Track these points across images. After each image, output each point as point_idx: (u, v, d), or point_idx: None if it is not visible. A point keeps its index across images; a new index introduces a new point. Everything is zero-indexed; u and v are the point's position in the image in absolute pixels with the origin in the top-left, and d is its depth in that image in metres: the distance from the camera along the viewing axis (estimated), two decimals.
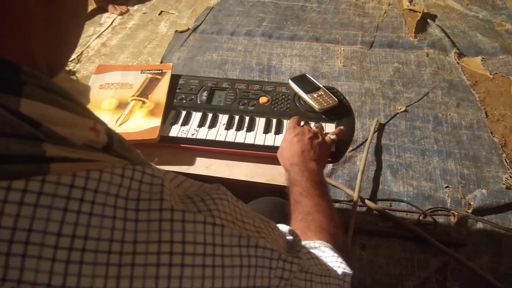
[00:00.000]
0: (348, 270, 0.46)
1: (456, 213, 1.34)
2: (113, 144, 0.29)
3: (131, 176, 0.25)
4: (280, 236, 0.34)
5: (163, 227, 0.24)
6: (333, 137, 0.78)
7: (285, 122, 0.87)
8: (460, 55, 2.13)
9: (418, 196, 1.43)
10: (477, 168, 1.52)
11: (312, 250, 0.43)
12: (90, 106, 0.88)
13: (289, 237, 0.36)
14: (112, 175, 0.24)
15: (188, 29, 2.38)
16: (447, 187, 1.45)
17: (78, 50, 2.22)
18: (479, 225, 1.33)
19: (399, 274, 1.21)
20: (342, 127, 0.81)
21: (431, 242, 1.24)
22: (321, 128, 0.81)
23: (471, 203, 1.38)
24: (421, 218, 1.34)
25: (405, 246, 1.27)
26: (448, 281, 1.18)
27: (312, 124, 0.85)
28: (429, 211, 1.37)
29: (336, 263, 0.46)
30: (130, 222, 0.23)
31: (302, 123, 0.84)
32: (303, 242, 0.39)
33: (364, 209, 1.39)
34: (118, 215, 0.23)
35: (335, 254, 0.48)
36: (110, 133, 0.30)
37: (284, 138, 0.77)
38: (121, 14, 2.56)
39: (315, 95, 0.89)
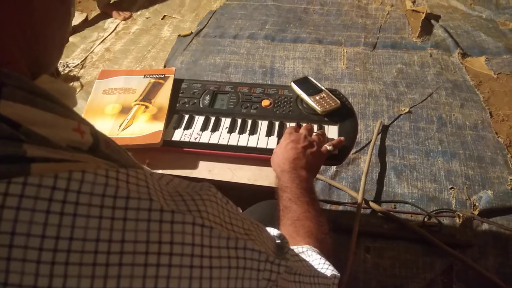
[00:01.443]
0: (336, 272, 0.46)
1: (461, 215, 1.33)
2: (99, 145, 0.29)
3: (116, 177, 0.25)
4: (268, 238, 0.34)
5: (152, 227, 0.24)
6: (329, 147, 0.77)
7: (288, 125, 0.87)
8: (464, 55, 2.12)
9: (422, 198, 1.42)
10: (482, 169, 1.51)
11: (299, 254, 0.43)
12: (94, 111, 0.89)
13: (278, 241, 0.36)
14: (96, 176, 0.24)
15: (191, 33, 2.39)
16: (452, 188, 1.45)
17: (82, 56, 2.24)
18: (485, 226, 1.32)
19: (404, 276, 1.20)
20: (342, 138, 0.81)
21: (436, 243, 1.23)
22: (323, 135, 0.81)
23: (477, 204, 1.37)
24: (426, 219, 1.33)
25: (410, 248, 1.27)
26: (454, 283, 1.17)
27: (315, 128, 0.85)
28: (434, 212, 1.36)
29: (324, 265, 0.46)
30: (118, 221, 0.23)
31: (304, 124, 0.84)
32: (291, 247, 0.39)
33: (368, 211, 1.39)
34: (105, 215, 0.23)
35: (322, 258, 0.48)
36: (96, 134, 0.30)
37: (279, 144, 0.77)
38: (125, 19, 2.58)
39: (317, 98, 0.89)
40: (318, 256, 0.48)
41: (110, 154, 0.30)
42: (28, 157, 0.23)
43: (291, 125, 0.82)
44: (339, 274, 0.46)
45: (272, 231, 0.38)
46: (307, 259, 0.45)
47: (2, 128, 0.23)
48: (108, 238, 0.23)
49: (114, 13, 2.59)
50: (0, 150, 0.22)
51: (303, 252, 0.49)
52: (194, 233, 0.26)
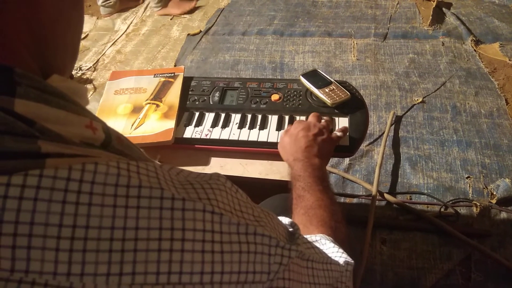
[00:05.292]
0: (349, 259, 0.46)
1: (479, 204, 1.31)
2: (111, 141, 0.30)
3: (127, 168, 0.25)
4: (279, 225, 0.34)
5: (164, 215, 0.25)
6: (339, 134, 0.78)
7: (298, 118, 0.87)
8: (477, 42, 2.08)
9: (438, 188, 1.40)
10: (498, 157, 1.48)
11: (313, 243, 0.43)
12: (106, 112, 0.90)
13: (290, 229, 0.37)
14: (108, 167, 0.25)
15: (200, 31, 2.40)
16: (468, 177, 1.42)
17: (93, 58, 2.27)
18: (503, 215, 1.30)
19: (421, 267, 1.19)
20: (346, 126, 0.82)
21: (454, 234, 1.22)
22: (330, 122, 0.81)
23: (494, 193, 1.35)
24: (442, 210, 1.31)
25: (426, 239, 1.25)
26: (472, 272, 1.15)
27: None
28: (451, 202, 1.34)
29: (338, 254, 0.46)
30: (131, 209, 0.24)
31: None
32: (305, 236, 0.40)
33: (383, 203, 1.38)
34: (119, 203, 0.24)
35: (336, 246, 0.48)
36: (108, 130, 0.31)
37: (289, 132, 0.77)
38: (185, 13, 2.62)
39: (327, 90, 0.89)
40: (332, 244, 0.48)
41: (123, 150, 0.31)
42: (43, 152, 0.24)
43: (300, 118, 0.83)
44: (352, 261, 0.46)
45: (284, 220, 0.38)
46: (321, 247, 0.45)
47: (17, 125, 0.23)
48: (122, 225, 0.24)
49: (172, 9, 2.64)
50: (16, 146, 0.23)
51: (316, 241, 0.49)
52: (205, 220, 0.27)
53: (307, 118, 0.85)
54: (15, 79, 0.25)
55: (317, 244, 0.45)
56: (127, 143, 0.34)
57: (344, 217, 0.60)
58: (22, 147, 0.23)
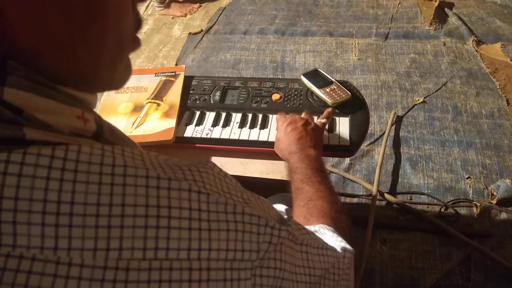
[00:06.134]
0: (348, 246, 0.46)
1: (479, 204, 1.31)
2: (103, 133, 0.30)
3: (112, 150, 0.25)
4: (271, 209, 0.34)
5: (150, 193, 0.25)
6: (323, 120, 0.80)
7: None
8: (479, 42, 2.08)
9: (439, 188, 1.40)
10: (499, 158, 1.48)
11: (307, 229, 0.43)
12: (107, 110, 0.90)
13: (285, 216, 0.36)
14: (92, 148, 0.25)
15: (201, 30, 2.40)
16: (468, 178, 1.43)
17: None
18: (503, 215, 1.30)
19: (421, 267, 1.19)
20: (329, 109, 0.83)
21: (454, 234, 1.22)
22: (310, 114, 0.82)
23: (494, 194, 1.35)
24: (442, 210, 1.31)
25: (427, 239, 1.25)
26: (472, 273, 1.16)
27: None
28: (451, 203, 1.35)
29: (336, 242, 0.46)
30: (117, 186, 0.24)
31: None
32: (305, 227, 0.39)
33: (383, 203, 1.38)
34: (104, 181, 0.24)
35: (335, 235, 0.48)
36: (100, 122, 0.31)
37: (278, 130, 0.78)
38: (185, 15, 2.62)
39: (327, 90, 0.89)
40: (331, 234, 0.48)
41: (115, 142, 0.31)
42: (27, 139, 0.24)
43: (279, 113, 0.83)
44: (352, 248, 0.46)
45: (279, 207, 0.38)
46: (320, 237, 0.45)
47: (4, 112, 0.24)
48: (108, 202, 0.24)
49: (174, 11, 2.63)
50: (0, 132, 0.23)
51: (316, 231, 0.49)
52: (191, 199, 0.26)
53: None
54: (7, 70, 0.25)
55: (317, 235, 0.45)
56: (120, 135, 0.34)
57: (344, 206, 0.60)
58: (6, 133, 0.23)
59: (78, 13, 0.27)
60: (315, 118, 0.85)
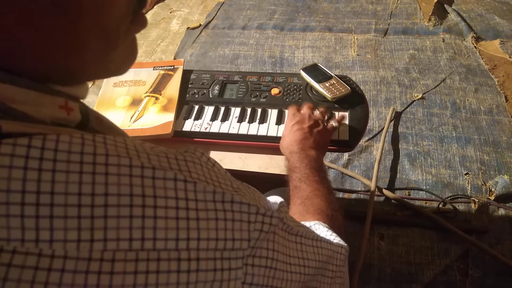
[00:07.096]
0: (343, 243, 0.45)
1: (477, 200, 1.31)
2: (89, 122, 0.29)
3: (93, 139, 0.25)
4: (261, 198, 0.33)
5: (134, 182, 0.24)
6: (335, 124, 0.79)
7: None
8: (478, 39, 2.07)
9: (437, 184, 1.40)
10: (497, 154, 1.48)
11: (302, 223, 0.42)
12: (105, 104, 0.90)
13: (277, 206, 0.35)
14: (71, 137, 0.24)
15: (200, 25, 2.39)
16: (467, 174, 1.43)
17: None
18: (501, 211, 1.30)
19: (419, 263, 1.19)
20: (343, 114, 0.82)
21: (452, 230, 1.22)
22: (325, 112, 0.81)
23: (492, 190, 1.35)
24: (440, 206, 1.31)
25: (425, 235, 1.25)
26: (470, 268, 1.16)
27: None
28: (449, 198, 1.35)
29: (331, 237, 0.46)
30: (100, 175, 0.23)
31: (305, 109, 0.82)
32: (301, 222, 0.39)
33: (382, 198, 1.38)
34: (85, 170, 0.23)
35: (330, 231, 0.48)
36: (85, 111, 0.30)
37: (285, 127, 0.77)
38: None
39: (327, 84, 0.89)
40: (325, 229, 0.48)
41: (101, 131, 0.30)
42: (4, 132, 0.23)
43: (290, 107, 0.82)
44: (346, 245, 0.45)
45: (275, 198, 0.37)
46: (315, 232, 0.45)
47: None
48: (90, 192, 0.23)
49: None
50: None
51: (310, 226, 0.49)
52: (177, 188, 0.26)
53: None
54: None
55: (311, 229, 0.45)
56: (108, 124, 0.33)
57: (341, 207, 0.60)
58: None
59: (39, 14, 0.24)
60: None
